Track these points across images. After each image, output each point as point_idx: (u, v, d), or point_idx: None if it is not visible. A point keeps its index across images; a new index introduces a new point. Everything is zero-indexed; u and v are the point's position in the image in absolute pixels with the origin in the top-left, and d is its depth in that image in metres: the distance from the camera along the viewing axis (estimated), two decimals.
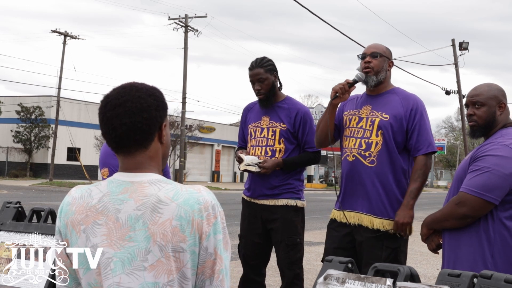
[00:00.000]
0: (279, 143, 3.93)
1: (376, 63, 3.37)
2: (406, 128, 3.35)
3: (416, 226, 3.24)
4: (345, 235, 3.45)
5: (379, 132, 3.35)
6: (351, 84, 3.35)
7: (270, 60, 3.98)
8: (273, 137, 3.95)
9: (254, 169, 3.86)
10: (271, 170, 3.85)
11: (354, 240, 3.42)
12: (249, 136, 4.08)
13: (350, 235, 3.43)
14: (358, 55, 3.47)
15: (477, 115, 2.82)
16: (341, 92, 3.32)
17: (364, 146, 3.37)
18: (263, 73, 3.90)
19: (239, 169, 3.96)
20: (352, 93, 3.47)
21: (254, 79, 3.93)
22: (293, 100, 4.05)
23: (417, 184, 3.32)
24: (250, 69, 3.96)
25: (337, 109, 3.53)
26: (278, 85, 4.00)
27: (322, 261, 3.57)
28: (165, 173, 4.42)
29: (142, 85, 1.61)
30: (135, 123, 1.54)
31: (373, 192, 3.35)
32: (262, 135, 3.98)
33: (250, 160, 3.88)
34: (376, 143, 3.35)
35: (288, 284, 3.92)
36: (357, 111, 3.48)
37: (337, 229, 3.49)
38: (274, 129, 3.95)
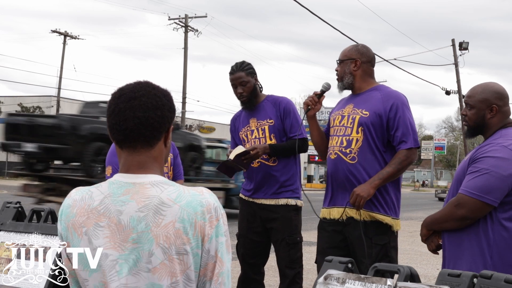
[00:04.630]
0: (270, 139, 3.99)
1: (339, 69, 3.54)
2: (387, 124, 3.38)
3: (416, 226, 3.24)
4: (336, 233, 3.47)
5: (359, 129, 3.39)
6: (319, 95, 3.55)
7: (250, 64, 4.09)
8: (263, 135, 4.02)
9: (243, 149, 3.87)
10: (262, 152, 3.89)
11: (346, 238, 3.44)
12: (242, 142, 4.12)
13: (341, 233, 3.45)
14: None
15: (468, 116, 2.84)
16: (313, 104, 3.53)
17: (345, 143, 3.43)
18: (245, 76, 4.00)
19: (229, 160, 3.93)
20: (340, 97, 3.66)
21: (236, 83, 4.02)
22: (274, 96, 4.14)
23: (390, 169, 3.32)
24: (231, 73, 4.04)
25: (329, 116, 3.69)
26: (259, 87, 4.10)
27: (316, 262, 3.60)
28: (178, 167, 4.46)
29: (157, 85, 1.62)
30: (148, 119, 1.53)
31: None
32: (253, 137, 4.05)
33: (236, 150, 3.91)
34: (357, 140, 3.39)
35: (289, 283, 3.94)
36: (341, 110, 3.56)
37: (327, 228, 3.51)
38: (263, 127, 4.03)
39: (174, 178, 4.42)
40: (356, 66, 3.49)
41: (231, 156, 3.90)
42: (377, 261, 3.20)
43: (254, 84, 4.03)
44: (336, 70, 3.55)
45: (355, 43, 3.60)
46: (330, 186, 3.54)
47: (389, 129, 3.38)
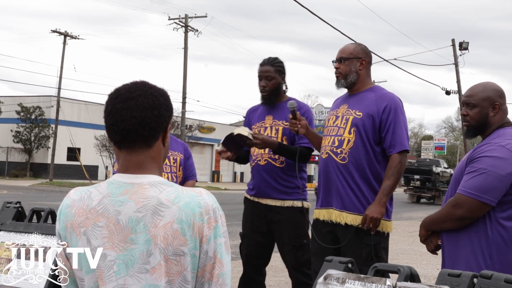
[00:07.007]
0: (282, 141, 3.93)
1: (343, 67, 3.51)
2: (379, 126, 3.39)
3: (416, 226, 3.24)
4: (328, 233, 3.47)
5: (352, 130, 3.41)
6: (293, 116, 3.61)
7: (282, 62, 4.06)
8: (276, 136, 3.96)
9: (247, 133, 3.78)
10: (263, 145, 3.80)
11: (337, 238, 3.44)
12: None
13: (332, 233, 3.45)
14: (332, 61, 3.60)
15: (470, 115, 2.82)
16: (294, 128, 3.60)
17: (336, 143, 3.44)
18: (272, 72, 3.98)
19: (232, 134, 3.81)
20: (337, 95, 3.70)
21: (262, 75, 4.00)
22: (296, 100, 4.05)
23: (390, 182, 3.34)
24: (261, 65, 4.03)
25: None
26: (284, 87, 4.06)
27: (310, 263, 3.59)
28: (190, 168, 4.45)
29: (153, 85, 1.62)
30: (145, 118, 1.53)
31: (345, 189, 3.39)
32: (265, 134, 3.96)
33: (242, 129, 3.83)
34: (348, 140, 3.41)
35: (297, 285, 3.91)
36: (335, 111, 3.58)
37: (321, 230, 3.51)
38: (277, 127, 3.98)
39: (185, 179, 4.38)
40: (362, 65, 3.50)
41: (235, 131, 3.80)
42: (367, 261, 3.21)
43: (279, 83, 3.99)
44: (337, 68, 3.51)
45: (355, 42, 3.58)
46: (321, 186, 3.56)
47: (380, 131, 3.39)
